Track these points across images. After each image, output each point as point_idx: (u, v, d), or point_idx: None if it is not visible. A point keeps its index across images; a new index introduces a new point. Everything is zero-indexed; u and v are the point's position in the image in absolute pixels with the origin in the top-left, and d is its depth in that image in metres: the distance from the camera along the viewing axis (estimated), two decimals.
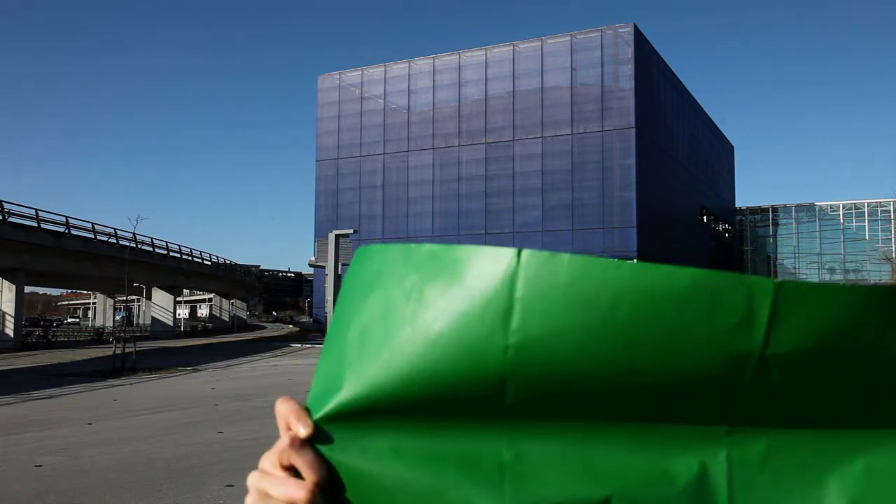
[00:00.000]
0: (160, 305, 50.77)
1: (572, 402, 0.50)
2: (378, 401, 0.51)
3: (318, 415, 0.53)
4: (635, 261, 0.46)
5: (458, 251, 0.50)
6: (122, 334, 25.12)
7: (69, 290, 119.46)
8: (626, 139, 76.77)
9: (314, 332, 55.42)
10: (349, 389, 0.52)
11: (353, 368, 0.52)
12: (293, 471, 0.54)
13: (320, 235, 14.21)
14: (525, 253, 0.49)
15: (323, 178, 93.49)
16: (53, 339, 41.82)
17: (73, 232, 37.55)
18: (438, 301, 0.49)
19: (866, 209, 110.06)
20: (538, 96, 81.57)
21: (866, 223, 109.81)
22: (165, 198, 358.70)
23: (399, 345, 0.50)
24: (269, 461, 0.55)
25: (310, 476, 0.53)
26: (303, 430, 0.53)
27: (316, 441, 0.53)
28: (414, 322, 0.50)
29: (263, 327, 76.85)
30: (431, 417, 0.52)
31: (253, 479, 0.56)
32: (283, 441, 0.54)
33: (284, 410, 0.55)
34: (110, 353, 22.02)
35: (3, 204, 32.17)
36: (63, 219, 36.80)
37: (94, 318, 72.64)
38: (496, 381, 0.49)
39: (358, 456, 0.53)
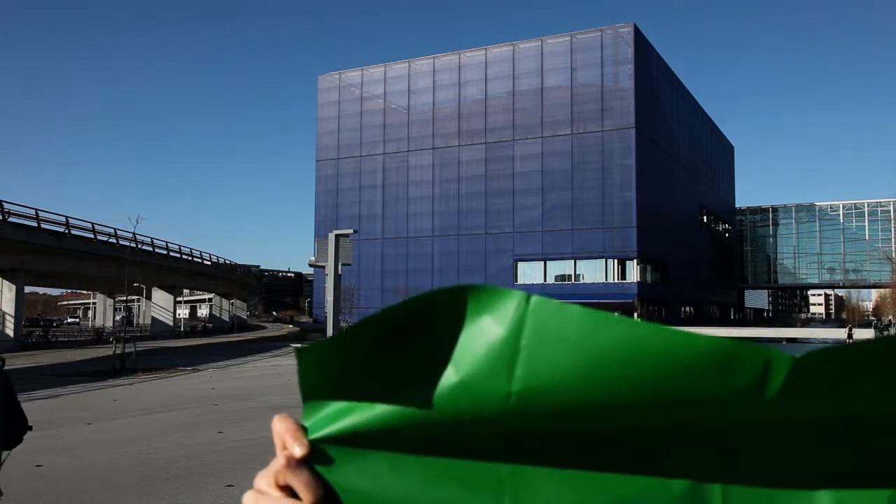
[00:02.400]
0: (160, 305, 50.76)
1: (570, 447, 0.52)
2: (378, 429, 0.52)
3: (314, 435, 0.53)
4: (637, 317, 0.49)
5: (464, 290, 0.50)
6: (122, 334, 25.12)
7: (69, 290, 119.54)
8: (626, 139, 76.73)
9: (314, 332, 55.39)
10: (351, 418, 0.52)
11: (365, 399, 0.52)
12: (289, 490, 0.53)
13: (320, 235, 14.19)
14: (534, 300, 0.49)
15: (323, 178, 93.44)
16: (53, 339, 41.81)
17: (73, 232, 37.55)
18: (445, 338, 0.50)
19: (866, 209, 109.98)
20: (538, 96, 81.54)
21: (866, 223, 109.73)
22: (165, 198, 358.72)
23: (404, 379, 0.51)
24: (265, 480, 0.54)
25: (306, 496, 0.53)
26: (298, 450, 0.53)
27: (312, 460, 0.53)
28: (420, 357, 0.50)
29: (263, 327, 76.83)
30: (430, 437, 0.52)
31: (249, 499, 0.56)
32: (279, 460, 0.54)
33: (281, 429, 0.54)
34: (110, 353, 22.02)
35: (3, 204, 32.17)
36: (63, 219, 36.81)
37: (94, 318, 72.59)
38: (496, 421, 0.50)
39: (356, 475, 0.53)
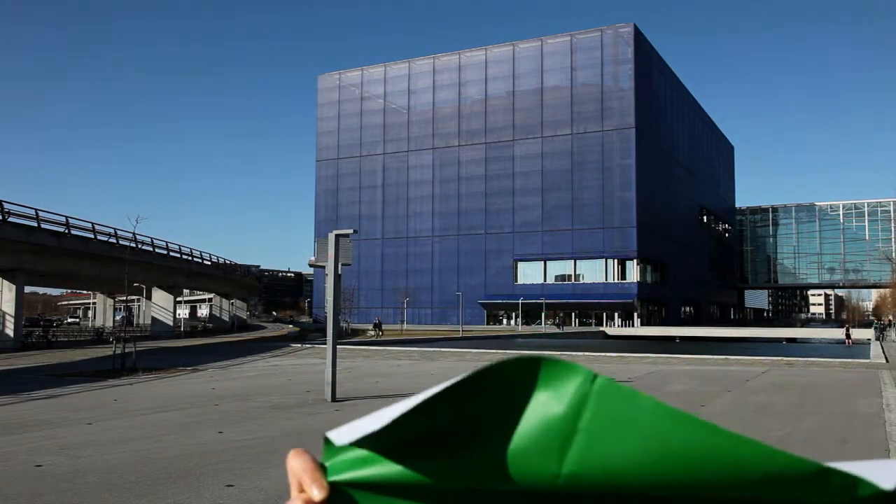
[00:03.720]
0: (160, 305, 50.76)
1: None
2: (409, 483, 0.50)
3: (334, 477, 0.50)
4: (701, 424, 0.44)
5: (536, 363, 0.48)
6: (122, 334, 25.10)
7: (69, 290, 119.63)
8: (626, 139, 76.75)
9: (314, 332, 55.40)
10: (379, 467, 0.50)
11: (397, 451, 0.49)
12: None
13: (320, 235, 14.17)
14: (600, 381, 0.47)
15: (323, 178, 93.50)
16: (53, 339, 41.79)
17: (73, 232, 37.57)
18: (502, 408, 0.48)
19: (866, 209, 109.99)
20: (538, 96, 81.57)
21: (866, 223, 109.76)
22: (165, 198, 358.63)
23: (449, 440, 0.49)
24: None
25: None
26: (317, 494, 0.50)
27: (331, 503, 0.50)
28: (471, 423, 0.49)
29: (263, 327, 76.81)
30: (464, 498, 0.50)
31: None
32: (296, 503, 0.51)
33: (297, 468, 0.51)
34: (110, 353, 22.01)
35: (3, 204, 32.18)
36: (63, 219, 36.82)
37: (94, 318, 72.63)
38: (540, 495, 0.48)
39: None
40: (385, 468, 0.49)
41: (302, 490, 0.51)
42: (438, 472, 0.49)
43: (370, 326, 60.43)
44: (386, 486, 0.49)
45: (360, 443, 0.49)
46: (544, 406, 0.47)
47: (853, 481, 0.44)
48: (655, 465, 0.45)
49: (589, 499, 0.47)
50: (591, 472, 0.46)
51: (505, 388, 0.48)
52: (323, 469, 0.51)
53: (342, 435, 0.50)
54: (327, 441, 0.51)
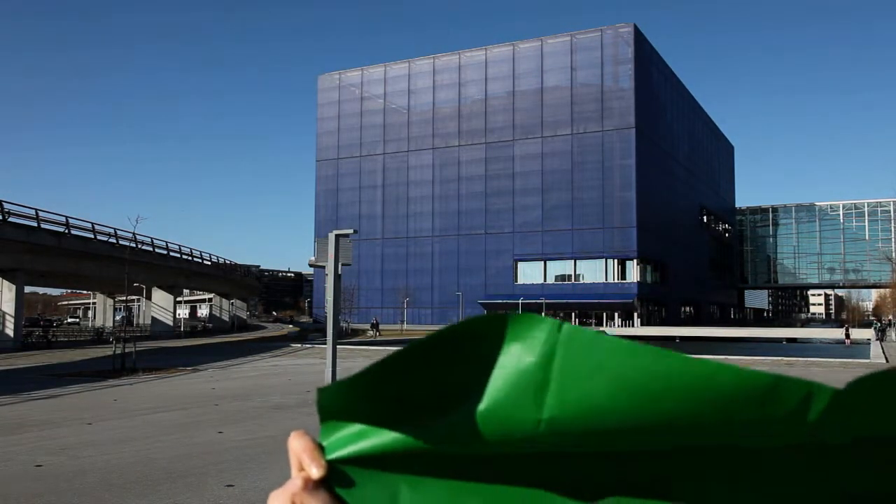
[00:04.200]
0: (160, 305, 50.76)
1: (598, 468, 0.52)
2: (400, 452, 0.51)
3: (332, 455, 0.52)
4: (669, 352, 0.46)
5: (502, 319, 0.50)
6: (122, 334, 25.12)
7: (69, 290, 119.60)
8: (626, 139, 76.71)
9: (314, 332, 55.39)
10: (371, 440, 0.52)
11: (387, 418, 0.51)
12: None
13: (320, 235, 14.19)
14: (566, 328, 0.49)
15: (323, 178, 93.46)
16: (53, 339, 41.80)
17: (73, 232, 37.57)
18: (476, 366, 0.50)
19: (866, 209, 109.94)
20: (538, 96, 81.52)
21: (866, 223, 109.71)
22: (165, 198, 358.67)
23: (430, 405, 0.51)
24: (281, 502, 0.52)
25: None
26: (316, 471, 0.52)
27: (330, 481, 0.52)
28: (449, 385, 0.50)
29: (263, 327, 76.84)
30: (454, 460, 0.52)
31: None
32: (296, 482, 0.52)
33: (298, 448, 0.53)
34: (110, 353, 22.01)
35: (3, 204, 32.17)
36: (63, 219, 36.82)
37: (94, 318, 72.59)
38: (523, 446, 0.50)
39: (375, 497, 0.53)
40: (378, 439, 0.51)
41: (302, 469, 0.52)
42: (430, 436, 0.51)
43: (369, 326, 60.49)
44: (381, 457, 0.52)
45: (343, 387, 0.51)
46: (517, 358, 0.49)
47: (809, 388, 0.45)
48: (622, 397, 0.47)
49: (570, 437, 0.49)
50: (568, 416, 0.48)
51: (477, 345, 0.50)
52: (322, 449, 0.53)
53: (329, 388, 0.52)
54: (323, 422, 0.53)
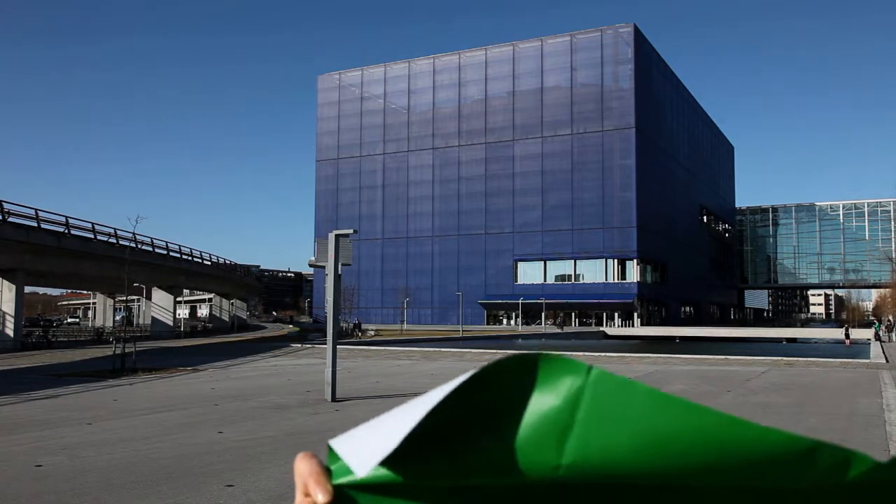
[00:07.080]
0: (160, 305, 50.75)
1: None
2: (413, 483, 0.50)
3: (340, 480, 0.51)
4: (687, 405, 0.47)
5: (534, 360, 0.49)
6: (122, 334, 25.13)
7: (69, 290, 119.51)
8: (626, 139, 76.74)
9: (314, 332, 55.39)
10: (388, 471, 0.50)
11: (401, 454, 0.49)
12: None
13: (320, 235, 14.18)
14: (595, 372, 0.49)
15: (323, 178, 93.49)
16: (53, 339, 41.77)
17: (73, 232, 37.56)
18: (501, 406, 0.49)
19: (866, 209, 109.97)
20: (538, 96, 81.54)
21: (866, 223, 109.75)
22: (165, 198, 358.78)
23: (450, 439, 0.50)
24: None
25: None
26: (322, 498, 0.50)
27: None
28: (472, 422, 0.49)
29: (263, 327, 76.82)
30: (468, 494, 0.50)
31: None
32: None
33: (304, 471, 0.51)
34: (110, 353, 22.00)
35: (3, 204, 32.18)
36: (63, 219, 36.81)
37: (94, 318, 72.64)
38: (540, 489, 0.49)
39: None
40: (389, 469, 0.50)
41: (307, 494, 0.51)
42: (442, 472, 0.49)
43: (369, 326, 60.59)
44: (390, 486, 0.50)
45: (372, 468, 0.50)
46: (542, 401, 0.48)
47: (847, 456, 0.44)
48: (648, 449, 0.46)
49: (589, 488, 0.48)
50: (589, 462, 0.47)
51: (504, 387, 0.49)
52: (329, 473, 0.51)
53: (342, 443, 0.51)
54: (331, 444, 0.52)
